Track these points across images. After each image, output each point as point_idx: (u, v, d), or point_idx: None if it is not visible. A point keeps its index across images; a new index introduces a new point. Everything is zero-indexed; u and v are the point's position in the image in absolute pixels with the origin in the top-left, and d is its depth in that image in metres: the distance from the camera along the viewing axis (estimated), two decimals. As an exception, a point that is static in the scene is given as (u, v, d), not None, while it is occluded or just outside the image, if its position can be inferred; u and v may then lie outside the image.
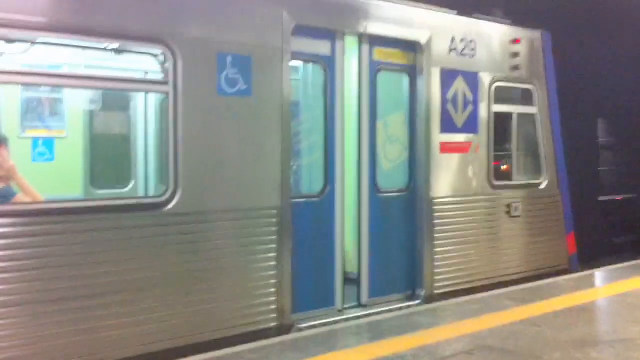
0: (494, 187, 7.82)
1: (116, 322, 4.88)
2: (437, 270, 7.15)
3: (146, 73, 6.30)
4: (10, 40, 4.71)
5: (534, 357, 5.08)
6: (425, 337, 5.61)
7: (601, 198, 13.65)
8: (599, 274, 8.63)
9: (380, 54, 6.85)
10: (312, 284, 6.28)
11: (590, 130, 13.48)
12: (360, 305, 6.72)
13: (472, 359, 5.06)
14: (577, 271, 8.82)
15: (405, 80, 7.14)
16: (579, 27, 10.10)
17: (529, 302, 6.83)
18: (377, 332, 5.80)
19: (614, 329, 5.97)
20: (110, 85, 5.39)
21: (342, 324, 6.06)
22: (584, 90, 9.12)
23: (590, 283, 8.03)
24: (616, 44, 11.40)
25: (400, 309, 6.76)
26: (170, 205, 5.20)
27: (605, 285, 8.01)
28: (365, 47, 6.71)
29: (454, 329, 5.88)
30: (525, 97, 8.44)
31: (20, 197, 5.00)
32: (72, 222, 4.72)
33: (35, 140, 7.46)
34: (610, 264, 9.53)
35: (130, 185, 7.67)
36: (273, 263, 5.78)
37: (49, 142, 7.58)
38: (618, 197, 15.35)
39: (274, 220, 5.81)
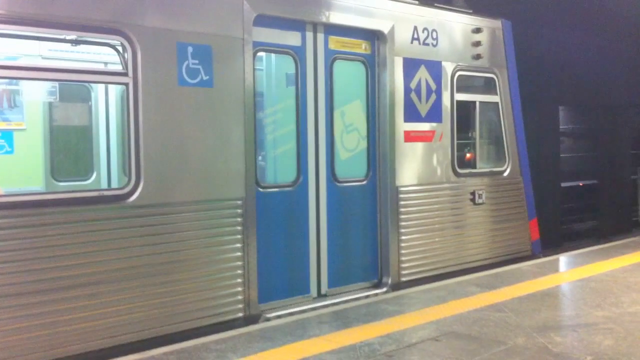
0: (458, 175, 7.91)
1: (80, 315, 4.83)
2: (403, 258, 7.21)
3: (105, 64, 6.20)
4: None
5: (499, 343, 5.12)
6: (392, 325, 5.64)
7: (563, 184, 13.92)
8: (561, 260, 8.72)
9: (337, 43, 6.85)
10: (287, 272, 6.30)
11: (552, 118, 13.73)
12: (320, 295, 6.74)
13: (438, 345, 5.10)
14: (539, 257, 8.99)
15: (363, 69, 7.15)
16: (540, 16, 10.24)
17: (494, 288, 6.90)
18: (344, 320, 5.83)
19: (577, 313, 6.02)
20: (69, 77, 5.29)
21: (310, 313, 6.07)
22: (545, 78, 9.27)
23: (553, 268, 8.09)
24: (578, 33, 11.60)
25: (367, 297, 6.81)
26: (133, 197, 5.15)
27: (568, 271, 8.03)
28: (321, 36, 6.70)
29: (420, 316, 5.92)
30: (488, 86, 8.54)
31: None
32: (34, 215, 4.65)
33: None
34: (572, 249, 9.72)
35: (93, 177, 7.58)
36: (239, 254, 5.77)
37: (7, 135, 7.46)
38: (580, 183, 15.68)
39: (239, 211, 5.80)
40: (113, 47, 5.18)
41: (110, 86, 7.45)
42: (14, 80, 6.91)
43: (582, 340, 5.22)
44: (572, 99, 14.75)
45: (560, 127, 15.36)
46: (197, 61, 5.54)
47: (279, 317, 6.06)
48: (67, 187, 7.13)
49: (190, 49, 5.49)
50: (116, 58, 5.23)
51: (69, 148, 7.79)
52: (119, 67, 5.19)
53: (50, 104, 7.20)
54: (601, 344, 5.06)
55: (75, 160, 7.95)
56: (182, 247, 5.42)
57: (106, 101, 7.69)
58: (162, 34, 5.32)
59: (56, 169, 7.40)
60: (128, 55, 5.14)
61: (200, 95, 5.57)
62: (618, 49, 12.21)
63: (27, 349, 4.61)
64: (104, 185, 7.54)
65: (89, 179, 7.62)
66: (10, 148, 7.48)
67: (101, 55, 6.50)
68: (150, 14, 5.27)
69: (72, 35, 5.09)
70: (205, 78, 5.59)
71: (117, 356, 4.85)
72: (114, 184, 7.53)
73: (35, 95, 7.36)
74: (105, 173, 7.65)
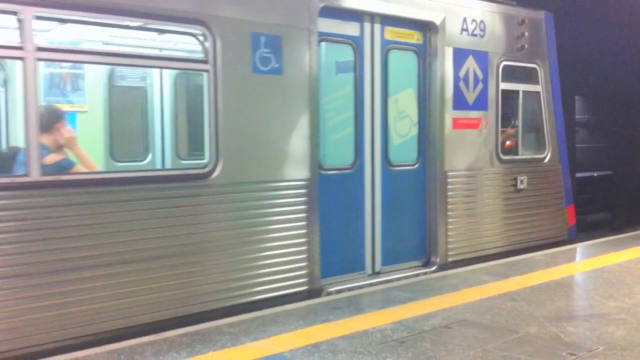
0: (501, 161, 8.25)
1: (170, 282, 5.29)
2: (450, 240, 7.58)
3: (160, 50, 6.54)
4: (63, 21, 5.01)
5: (511, 331, 5.12)
6: (405, 312, 5.66)
7: (578, 175, 14.06)
8: (575, 250, 8.69)
9: (392, 33, 7.19)
10: (344, 250, 6.69)
11: (568, 108, 13.83)
12: (373, 273, 7.13)
13: (449, 332, 5.11)
14: (574, 242, 9.30)
15: (415, 59, 7.49)
16: (557, 6, 10.41)
17: (507, 277, 6.94)
18: (356, 306, 5.87)
19: (590, 303, 6.00)
20: (156, 63, 5.70)
21: (322, 299, 6.15)
22: (562, 68, 9.46)
23: (566, 258, 8.05)
24: (595, 24, 11.75)
25: (417, 275, 7.19)
26: (212, 176, 5.55)
27: (581, 261, 8.00)
28: (377, 27, 7.04)
29: (432, 303, 5.94)
30: (530, 76, 8.84)
31: (79, 167, 5.32)
32: (133, 191, 5.10)
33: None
34: (586, 239, 9.63)
35: (148, 159, 7.99)
36: (304, 231, 6.17)
37: (71, 117, 7.88)
38: (595, 174, 15.80)
39: (304, 191, 6.19)
40: (195, 36, 5.56)
41: (164, 72, 7.86)
42: (78, 65, 7.33)
43: (594, 330, 5.19)
44: (588, 90, 14.81)
45: (576, 117, 15.48)
46: (268, 50, 5.91)
47: (338, 291, 6.46)
48: (124, 167, 7.54)
49: (262, 39, 5.86)
50: (198, 47, 5.61)
51: (126, 130, 8.20)
52: (200, 55, 5.58)
53: (109, 87, 7.59)
54: (613, 335, 5.05)
55: (132, 142, 8.36)
56: (253, 224, 5.83)
57: (161, 86, 8.10)
58: (238, 24, 5.69)
59: (114, 149, 7.81)
60: (209, 44, 5.52)
61: (271, 82, 5.95)
62: (635, 40, 12.34)
63: (138, 310, 5.11)
64: (158, 165, 7.96)
65: (145, 159, 8.03)
66: (74, 129, 7.92)
67: (157, 42, 6.90)
68: (228, 5, 5.65)
69: (159, 25, 5.46)
70: (275, 66, 5.96)
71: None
72: (167, 165, 7.95)
73: (97, 78, 7.77)
74: (160, 154, 8.07)
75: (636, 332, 5.11)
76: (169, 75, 7.96)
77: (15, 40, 4.62)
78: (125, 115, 8.17)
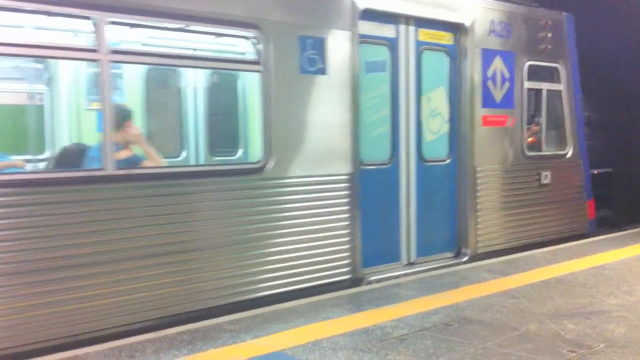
0: (527, 157, 8.59)
1: (230, 268, 5.66)
2: (479, 232, 7.92)
3: (242, 54, 6.91)
4: (133, 25, 5.36)
5: (511, 329, 5.12)
6: (405, 309, 5.67)
7: None
8: (575, 247, 8.62)
9: (425, 35, 7.54)
10: (382, 241, 7.04)
11: None
12: (409, 264, 7.47)
13: (450, 330, 5.11)
14: (593, 235, 9.62)
15: (447, 59, 7.84)
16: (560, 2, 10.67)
17: (507, 275, 6.96)
18: (357, 303, 5.87)
19: (590, 301, 5.96)
20: (213, 64, 6.06)
21: (322, 296, 6.15)
22: None
23: (566, 256, 8.01)
24: (596, 21, 11.99)
25: (450, 265, 7.54)
26: (264, 171, 5.91)
27: (581, 258, 7.88)
28: (412, 29, 7.40)
29: (433, 300, 5.94)
30: (552, 75, 9.18)
31: (146, 162, 5.68)
32: (191, 184, 5.45)
33: (99, 112, 8.08)
34: (586, 237, 9.61)
35: (184, 155, 8.31)
36: (347, 223, 6.52)
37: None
38: (594, 171, 16.03)
39: (347, 185, 6.53)
40: (248, 39, 5.91)
41: (199, 72, 8.19)
42: (119, 65, 7.66)
43: (594, 327, 5.17)
44: (588, 87, 15.05)
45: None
46: (314, 51, 6.25)
47: (378, 280, 6.80)
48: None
49: (309, 41, 6.21)
50: (251, 49, 5.97)
51: (162, 127, 8.53)
52: (253, 57, 5.92)
53: (145, 86, 7.90)
54: (614, 332, 5.05)
55: (169, 138, 8.69)
56: (301, 216, 6.17)
57: (194, 85, 8.43)
58: (287, 28, 6.04)
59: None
60: (261, 47, 5.87)
61: (316, 82, 6.29)
62: (635, 39, 12.56)
63: (213, 294, 5.49)
64: (192, 162, 8.29)
65: (179, 157, 8.37)
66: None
67: (213, 45, 7.24)
68: (279, 10, 5.99)
69: (218, 29, 5.81)
70: (320, 66, 6.31)
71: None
72: (201, 161, 8.28)
73: (134, 78, 8.10)
74: (194, 151, 8.41)
75: (637, 330, 5.11)
76: (203, 75, 8.27)
77: (90, 44, 4.97)
78: (159, 113, 8.51)
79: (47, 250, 4.68)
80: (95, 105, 8.02)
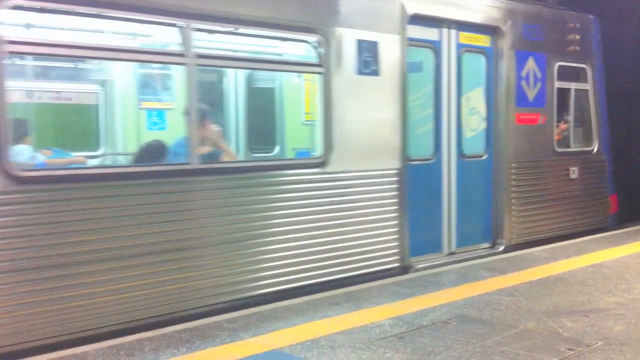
0: (556, 153, 9.07)
1: (294, 253, 6.15)
2: (513, 224, 8.41)
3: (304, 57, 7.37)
4: (214, 32, 5.84)
5: (509, 326, 5.12)
6: (404, 307, 5.68)
7: None
8: (573, 245, 8.62)
9: (465, 38, 8.01)
10: (426, 232, 7.52)
11: None
12: (449, 254, 7.95)
13: (448, 328, 5.11)
14: (613, 229, 10.08)
15: (484, 60, 8.30)
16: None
17: (505, 273, 6.99)
18: (356, 301, 5.89)
19: (589, 299, 5.95)
20: (280, 67, 6.56)
21: (320, 295, 6.15)
22: None
23: (565, 254, 8.02)
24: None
25: (487, 255, 8.01)
26: (326, 166, 6.38)
27: (580, 256, 7.88)
28: (454, 32, 7.87)
29: (431, 298, 5.96)
30: (579, 75, 9.65)
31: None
32: (262, 177, 5.95)
33: (149, 111, 8.57)
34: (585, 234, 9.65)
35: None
36: (396, 214, 6.99)
37: (160, 113, 8.69)
38: None
39: (396, 179, 7.01)
40: (310, 43, 6.37)
41: (239, 73, 8.63)
42: (167, 66, 8.13)
43: (593, 325, 5.16)
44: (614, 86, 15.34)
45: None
46: (369, 54, 6.71)
47: (425, 268, 7.28)
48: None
49: (364, 45, 6.67)
50: (313, 52, 6.43)
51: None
52: (315, 60, 6.38)
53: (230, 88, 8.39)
54: (612, 330, 5.05)
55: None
56: (356, 207, 6.64)
57: (235, 86, 8.88)
58: (346, 33, 6.50)
59: None
60: (323, 50, 6.33)
61: (370, 82, 6.76)
62: (635, 36, 12.88)
63: (266, 278, 5.93)
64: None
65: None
66: (163, 124, 8.73)
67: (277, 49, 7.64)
68: (338, 17, 6.46)
69: (286, 34, 6.29)
70: (374, 68, 6.77)
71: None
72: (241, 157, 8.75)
73: (181, 79, 8.55)
74: (235, 148, 8.87)
75: (635, 327, 5.12)
76: (243, 75, 8.71)
77: (177, 49, 5.44)
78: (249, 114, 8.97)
79: (147, 236, 5.18)
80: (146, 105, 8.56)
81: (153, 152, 6.36)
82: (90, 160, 7.56)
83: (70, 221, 4.76)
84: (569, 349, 4.62)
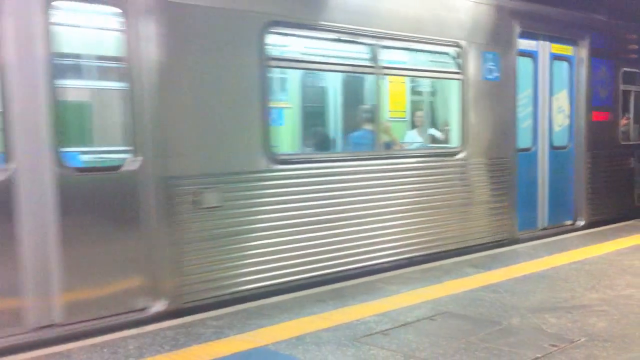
0: (621, 146, 10.69)
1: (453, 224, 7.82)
2: (589, 205, 10.01)
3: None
4: (385, 47, 7.35)
5: (494, 323, 5.14)
6: (388, 303, 5.69)
7: None
8: (557, 242, 8.85)
9: (555, 48, 9.57)
10: (526, 210, 9.11)
11: None
12: (543, 229, 9.48)
13: (433, 324, 5.12)
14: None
15: (568, 67, 9.87)
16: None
17: (490, 269, 7.08)
18: (340, 298, 5.90)
19: (572, 295, 5.99)
20: (429, 75, 8.17)
21: (305, 292, 6.12)
22: None
23: (549, 250, 8.16)
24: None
25: (571, 231, 9.59)
26: (460, 155, 7.95)
27: (563, 253, 7.99)
28: (547, 44, 9.43)
29: (416, 295, 5.99)
30: (636, 78, 11.24)
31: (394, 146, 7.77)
32: (423, 161, 7.56)
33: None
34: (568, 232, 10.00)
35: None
36: (510, 194, 8.56)
37: (279, 111, 10.10)
38: None
39: (508, 165, 8.57)
40: (451, 55, 7.90)
41: (337, 77, 10.02)
42: (283, 70, 9.52)
43: (576, 321, 5.19)
44: None
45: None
46: (491, 63, 8.24)
47: (530, 239, 8.82)
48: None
49: (487, 55, 8.20)
50: (453, 62, 7.95)
51: (313, 123, 10.39)
52: (456, 69, 7.91)
53: (302, 88, 9.76)
54: (595, 326, 5.07)
55: (317, 131, 10.56)
56: (482, 187, 8.22)
57: (334, 88, 10.32)
58: (476, 46, 8.03)
59: (304, 138, 9.96)
60: (461, 61, 7.86)
61: (492, 87, 8.30)
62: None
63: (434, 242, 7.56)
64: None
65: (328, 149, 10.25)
66: (281, 121, 10.15)
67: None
68: (471, 33, 7.97)
69: (434, 47, 7.82)
70: (495, 74, 8.31)
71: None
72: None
73: (295, 81, 9.96)
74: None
75: (617, 324, 5.13)
76: (339, 77, 10.09)
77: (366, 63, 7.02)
78: (314, 111, 10.41)
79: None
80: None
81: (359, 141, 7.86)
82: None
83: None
84: (553, 345, 4.64)
